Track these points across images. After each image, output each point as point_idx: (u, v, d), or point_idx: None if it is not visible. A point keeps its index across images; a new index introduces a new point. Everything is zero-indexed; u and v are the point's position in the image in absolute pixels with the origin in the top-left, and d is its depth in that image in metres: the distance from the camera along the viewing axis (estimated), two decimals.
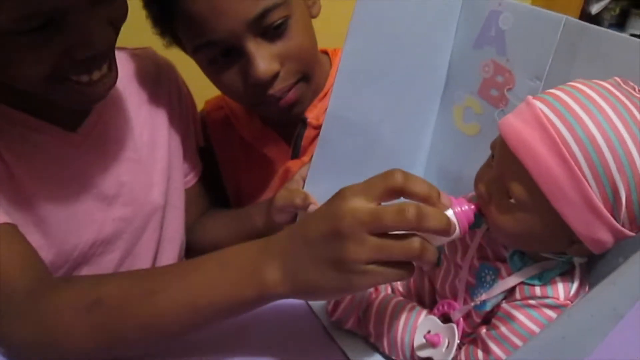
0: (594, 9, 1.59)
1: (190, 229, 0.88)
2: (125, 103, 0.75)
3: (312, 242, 0.48)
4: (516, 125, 0.46)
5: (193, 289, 0.52)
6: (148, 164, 0.77)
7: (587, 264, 0.51)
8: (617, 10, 1.68)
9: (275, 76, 0.72)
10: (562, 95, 0.45)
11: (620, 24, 1.71)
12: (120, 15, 0.59)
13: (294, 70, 0.74)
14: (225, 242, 0.59)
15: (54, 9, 0.51)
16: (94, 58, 0.57)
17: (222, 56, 0.72)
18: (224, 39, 0.69)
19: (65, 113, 0.68)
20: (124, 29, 0.61)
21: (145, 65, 0.81)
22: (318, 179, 0.70)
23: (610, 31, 0.54)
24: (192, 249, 0.87)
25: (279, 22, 0.70)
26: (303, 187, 0.69)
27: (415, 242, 0.46)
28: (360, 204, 0.46)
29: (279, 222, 0.70)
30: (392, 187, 0.47)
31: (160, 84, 0.82)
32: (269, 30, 0.70)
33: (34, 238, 0.63)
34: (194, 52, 0.74)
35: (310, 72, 0.77)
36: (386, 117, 0.71)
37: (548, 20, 0.58)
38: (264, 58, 0.71)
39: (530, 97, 0.47)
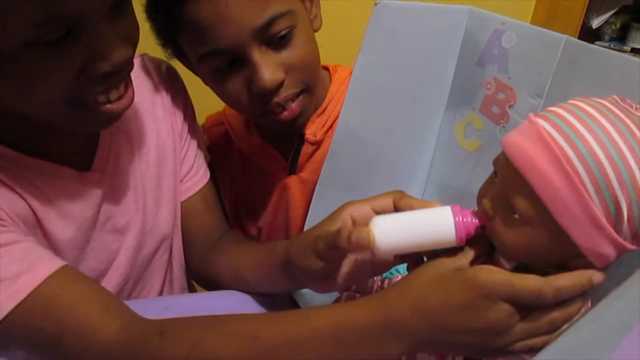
0: (595, 22, 1.60)
1: (208, 254, 0.80)
2: (132, 124, 0.74)
3: (454, 331, 0.48)
4: (519, 142, 0.47)
5: None
6: (156, 185, 0.76)
7: None
8: (618, 24, 1.69)
9: (280, 85, 0.73)
10: (563, 113, 0.47)
11: (621, 37, 1.72)
12: (134, 35, 0.59)
13: (297, 80, 0.74)
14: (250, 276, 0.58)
15: (75, 14, 0.50)
16: (111, 75, 0.56)
17: (226, 65, 0.72)
18: (230, 47, 0.69)
19: (75, 151, 0.66)
20: None
21: (144, 75, 0.79)
22: (326, 194, 0.71)
23: (610, 51, 0.55)
24: (207, 277, 0.81)
25: (284, 31, 0.70)
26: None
27: (558, 320, 0.47)
28: (508, 306, 0.47)
29: (320, 265, 0.59)
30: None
31: (163, 91, 0.80)
32: (274, 39, 0.71)
33: None
34: (198, 61, 0.74)
35: (313, 84, 0.78)
36: (391, 132, 0.72)
37: (549, 39, 0.59)
38: (269, 67, 0.70)
39: (532, 115, 0.49)
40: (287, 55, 0.72)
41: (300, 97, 0.76)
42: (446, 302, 0.48)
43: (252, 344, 0.51)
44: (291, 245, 0.63)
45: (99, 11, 0.53)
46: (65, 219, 0.64)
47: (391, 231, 0.53)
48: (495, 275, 0.47)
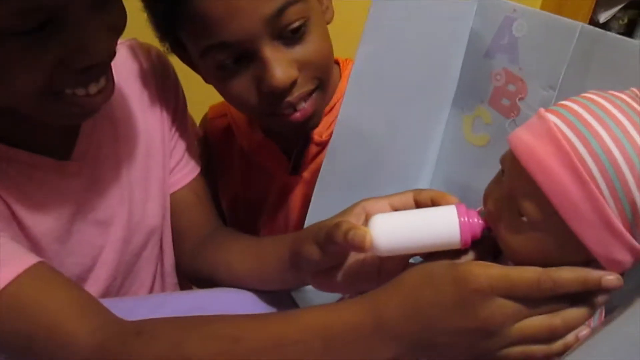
0: (602, 17, 1.55)
1: (201, 249, 0.77)
2: (117, 112, 0.71)
3: (448, 332, 0.44)
4: (527, 139, 0.43)
5: None
6: (143, 177, 0.73)
7: None
8: (626, 19, 1.65)
9: (292, 84, 0.67)
10: (576, 107, 0.43)
11: (628, 33, 1.68)
12: (119, 24, 0.56)
13: (311, 76, 0.70)
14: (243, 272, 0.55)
15: (54, 3, 0.48)
16: (91, 68, 0.54)
17: (232, 61, 0.67)
18: (239, 40, 0.64)
19: (55, 140, 0.64)
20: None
21: (133, 61, 0.75)
22: (326, 191, 0.67)
23: (627, 39, 0.51)
24: (201, 274, 0.77)
25: (297, 24, 0.65)
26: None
27: (559, 328, 0.43)
28: (504, 301, 0.43)
29: (319, 255, 0.56)
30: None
31: (152, 78, 0.76)
32: (287, 33, 0.65)
33: None
34: (201, 56, 0.68)
35: (327, 80, 0.73)
36: (395, 127, 0.68)
37: (563, 27, 0.56)
38: (281, 64, 0.65)
39: (542, 110, 0.45)
40: (300, 51, 0.67)
41: (314, 95, 0.71)
42: (437, 301, 0.44)
43: (234, 345, 0.48)
44: (300, 232, 0.61)
45: (80, 0, 0.50)
46: (41, 211, 0.62)
47: (391, 231, 0.50)
48: (490, 269, 0.43)
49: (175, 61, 0.79)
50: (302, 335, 0.48)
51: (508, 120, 0.63)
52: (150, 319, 0.54)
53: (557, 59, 0.56)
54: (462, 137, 0.69)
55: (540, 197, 0.42)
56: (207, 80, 0.74)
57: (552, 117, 0.43)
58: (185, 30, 0.68)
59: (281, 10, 0.63)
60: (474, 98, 0.66)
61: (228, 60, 0.67)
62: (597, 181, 0.40)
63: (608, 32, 0.53)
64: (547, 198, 0.42)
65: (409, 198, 0.55)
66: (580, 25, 0.54)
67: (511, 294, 0.42)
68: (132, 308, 0.63)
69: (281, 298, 0.72)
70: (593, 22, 1.54)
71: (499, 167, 0.50)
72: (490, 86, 0.64)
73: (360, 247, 0.49)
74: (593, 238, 0.42)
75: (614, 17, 1.61)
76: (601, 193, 0.40)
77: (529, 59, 0.60)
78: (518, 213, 0.45)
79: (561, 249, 0.44)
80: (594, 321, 0.47)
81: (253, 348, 0.48)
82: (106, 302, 0.56)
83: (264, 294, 0.70)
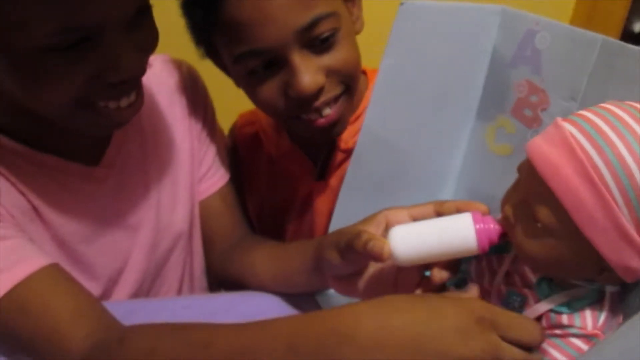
0: (638, 26, 1.52)
1: (230, 254, 0.79)
2: (146, 123, 0.74)
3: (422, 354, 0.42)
4: (543, 147, 0.44)
5: None
6: (171, 184, 0.76)
7: (620, 292, 0.49)
8: None
9: (319, 90, 0.70)
10: (591, 116, 0.44)
11: None
12: (151, 44, 0.60)
13: (338, 82, 0.72)
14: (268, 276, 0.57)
15: (94, 25, 0.51)
16: (123, 83, 0.57)
17: (263, 68, 0.69)
18: (269, 48, 0.67)
19: (85, 147, 0.67)
20: None
21: (164, 75, 0.79)
22: (350, 197, 0.69)
23: None
24: (230, 278, 0.78)
25: (327, 34, 0.68)
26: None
27: None
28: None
29: (339, 261, 0.57)
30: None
31: (182, 91, 0.79)
32: (316, 42, 0.68)
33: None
34: (234, 62, 0.71)
35: (354, 87, 0.75)
36: (418, 136, 0.70)
37: (585, 39, 0.56)
38: (309, 70, 0.68)
39: (558, 119, 0.46)
40: (328, 59, 0.70)
41: (339, 101, 0.73)
42: (412, 322, 0.43)
43: (205, 351, 0.49)
44: (324, 237, 0.62)
45: (117, 22, 0.53)
46: (68, 213, 0.65)
47: (409, 241, 0.51)
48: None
49: (208, 71, 0.82)
50: (272, 343, 0.47)
51: (530, 131, 0.63)
52: (135, 326, 0.55)
53: (578, 70, 0.57)
54: (485, 147, 0.70)
55: (555, 203, 0.43)
56: (238, 85, 0.77)
57: (568, 126, 0.44)
58: (219, 36, 0.71)
59: (313, 23, 0.66)
60: (496, 108, 0.67)
61: (259, 67, 0.69)
62: (611, 189, 0.41)
63: (629, 45, 0.53)
64: (562, 205, 0.43)
65: (430, 209, 0.56)
66: (602, 38, 0.55)
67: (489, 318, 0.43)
68: (158, 309, 0.66)
69: (305, 301, 0.74)
70: (627, 31, 1.51)
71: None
72: (513, 97, 0.65)
73: (378, 257, 0.51)
74: (606, 245, 0.42)
75: None
76: (615, 201, 0.41)
77: (551, 70, 0.60)
78: (533, 219, 0.46)
79: (575, 255, 0.45)
80: (599, 321, 0.47)
81: (223, 354, 0.48)
82: (133, 303, 0.59)
83: (289, 297, 0.71)
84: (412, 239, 0.51)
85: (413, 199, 0.64)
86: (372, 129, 0.66)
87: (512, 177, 0.66)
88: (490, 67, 0.68)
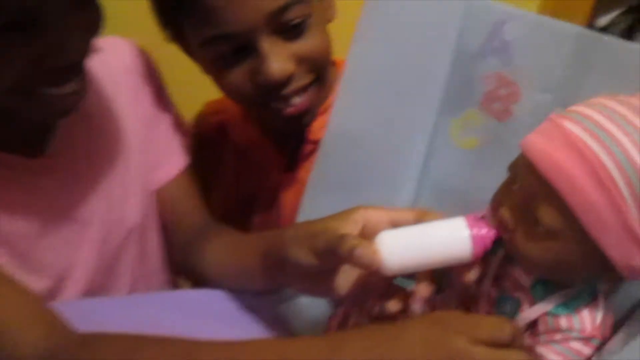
0: (602, 21, 1.57)
1: (191, 245, 0.75)
2: (93, 108, 0.68)
3: None
4: (545, 146, 0.42)
5: None
6: (122, 174, 0.71)
7: (609, 289, 0.49)
8: (624, 25, 1.67)
9: (288, 78, 0.69)
10: (592, 113, 0.42)
11: (627, 38, 1.70)
12: (96, 25, 0.55)
13: (308, 71, 0.71)
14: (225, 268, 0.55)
15: (32, 4, 0.46)
16: (66, 69, 0.53)
17: (231, 53, 0.68)
18: (239, 32, 0.65)
19: (27, 138, 0.62)
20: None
21: (112, 57, 0.73)
22: (317, 192, 0.67)
23: (626, 42, 0.51)
24: (193, 271, 0.75)
25: (298, 20, 0.67)
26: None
27: None
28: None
29: (314, 262, 0.53)
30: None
31: (132, 74, 0.75)
32: (287, 28, 0.67)
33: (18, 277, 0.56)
34: (201, 46, 0.69)
35: (324, 76, 0.74)
36: (384, 131, 0.67)
37: (559, 30, 0.55)
38: (278, 57, 0.67)
39: (555, 116, 0.44)
40: (299, 46, 0.69)
41: (309, 90, 0.72)
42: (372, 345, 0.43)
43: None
44: (287, 231, 0.57)
45: (58, 1, 0.48)
46: (10, 210, 0.60)
47: (400, 250, 0.47)
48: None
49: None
50: (255, 356, 0.46)
51: (500, 124, 0.62)
52: (97, 334, 0.52)
53: (552, 62, 0.56)
54: (450, 140, 0.68)
55: (560, 205, 0.41)
56: (205, 70, 0.75)
57: (568, 124, 0.42)
58: (187, 18, 0.69)
59: (284, 8, 0.65)
60: (463, 101, 0.65)
61: (227, 52, 0.68)
62: (620, 189, 0.40)
63: (606, 36, 0.52)
64: (568, 206, 0.41)
65: (409, 218, 0.52)
66: (577, 29, 0.54)
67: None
68: (106, 308, 0.63)
69: (268, 302, 0.68)
70: (591, 26, 1.55)
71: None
72: (481, 89, 0.63)
73: (367, 267, 0.46)
74: (614, 246, 0.41)
75: (612, 22, 1.62)
76: (624, 201, 0.40)
77: (522, 62, 0.59)
78: (534, 222, 0.44)
79: (579, 258, 0.44)
80: (597, 321, 0.46)
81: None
82: (81, 303, 0.58)
83: (244, 296, 0.67)
84: (401, 248, 0.48)
85: (379, 194, 0.63)
86: (339, 122, 0.65)
87: (478, 170, 0.65)
88: (456, 60, 0.66)
